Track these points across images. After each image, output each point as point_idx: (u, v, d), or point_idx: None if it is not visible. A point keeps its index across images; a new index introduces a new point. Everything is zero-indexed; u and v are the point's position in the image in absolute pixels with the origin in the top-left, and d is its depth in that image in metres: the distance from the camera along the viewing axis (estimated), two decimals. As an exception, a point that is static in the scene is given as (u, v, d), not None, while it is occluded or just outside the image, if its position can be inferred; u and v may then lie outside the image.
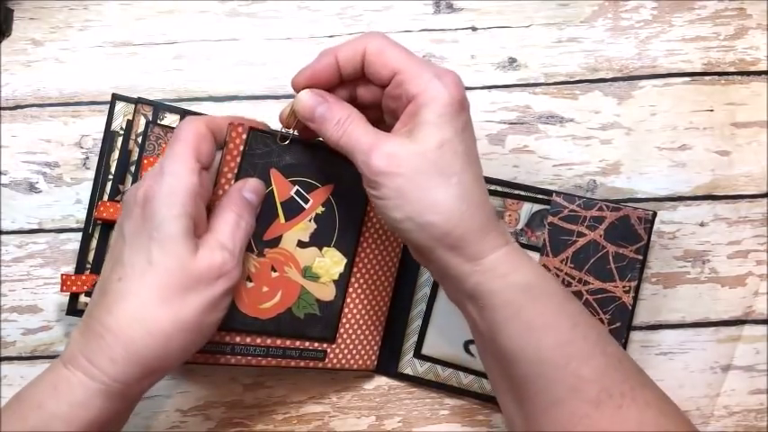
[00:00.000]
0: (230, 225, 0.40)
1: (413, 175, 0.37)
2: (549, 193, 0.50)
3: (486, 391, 0.50)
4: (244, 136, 0.42)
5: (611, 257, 0.49)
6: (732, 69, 0.54)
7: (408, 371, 0.50)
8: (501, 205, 0.50)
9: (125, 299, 0.37)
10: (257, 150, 0.42)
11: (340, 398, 0.51)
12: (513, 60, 0.54)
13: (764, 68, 0.54)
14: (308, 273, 0.45)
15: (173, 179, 0.37)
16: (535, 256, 0.49)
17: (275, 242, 0.44)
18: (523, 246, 0.49)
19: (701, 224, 0.53)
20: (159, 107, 0.48)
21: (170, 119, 0.48)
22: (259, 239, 0.43)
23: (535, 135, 0.53)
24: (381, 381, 0.51)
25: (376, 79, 0.39)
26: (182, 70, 0.53)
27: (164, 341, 0.37)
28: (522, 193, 0.50)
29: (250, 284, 0.43)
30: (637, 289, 0.49)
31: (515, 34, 0.54)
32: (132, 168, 0.48)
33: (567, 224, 0.49)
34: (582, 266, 0.49)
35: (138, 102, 0.48)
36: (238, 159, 0.42)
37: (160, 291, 0.36)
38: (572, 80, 0.54)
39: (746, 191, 0.53)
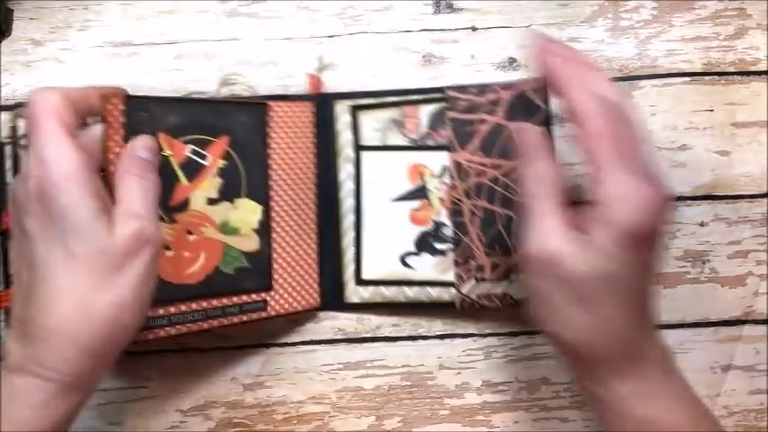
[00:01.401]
0: (135, 190, 0.39)
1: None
2: (441, 90, 0.49)
3: (434, 299, 0.49)
4: (121, 107, 0.40)
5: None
6: (732, 69, 0.54)
7: (355, 299, 0.50)
8: (400, 115, 0.50)
9: (58, 296, 0.36)
10: (139, 118, 0.41)
11: (340, 398, 0.51)
12: (513, 60, 0.54)
13: (764, 68, 0.54)
14: (226, 228, 0.45)
15: (59, 165, 0.36)
16: (445, 154, 0.49)
17: (183, 206, 0.43)
18: (431, 148, 0.49)
19: (701, 224, 0.53)
20: None
21: None
22: (166, 207, 0.42)
23: (535, 135, 0.53)
24: (381, 381, 0.51)
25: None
26: (182, 70, 0.53)
27: (110, 325, 0.36)
28: (417, 97, 0.50)
29: (169, 253, 0.42)
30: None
31: (515, 34, 0.54)
32: None
33: (467, 115, 0.49)
34: (491, 152, 0.49)
35: (16, 107, 0.49)
36: (122, 132, 0.40)
37: (91, 279, 0.36)
38: (572, 80, 0.54)
39: (746, 191, 0.53)
